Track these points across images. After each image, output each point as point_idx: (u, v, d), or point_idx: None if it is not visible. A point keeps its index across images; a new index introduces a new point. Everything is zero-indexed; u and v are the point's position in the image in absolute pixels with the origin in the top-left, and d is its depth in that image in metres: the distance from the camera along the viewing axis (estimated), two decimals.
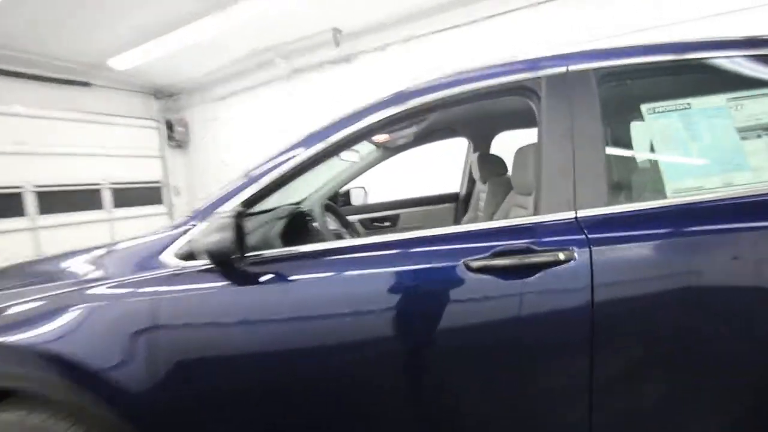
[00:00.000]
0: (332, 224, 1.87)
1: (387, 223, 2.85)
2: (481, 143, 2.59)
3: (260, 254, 1.03)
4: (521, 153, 1.41)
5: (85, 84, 5.80)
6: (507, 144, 2.65)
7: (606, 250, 0.91)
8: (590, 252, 0.89)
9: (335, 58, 4.79)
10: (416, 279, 0.98)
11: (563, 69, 1.07)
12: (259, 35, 4.48)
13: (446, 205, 2.81)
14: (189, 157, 7.18)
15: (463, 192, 2.75)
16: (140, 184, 6.63)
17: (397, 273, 0.98)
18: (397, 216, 2.82)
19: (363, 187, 3.05)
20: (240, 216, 0.96)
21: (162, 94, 6.61)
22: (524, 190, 1.39)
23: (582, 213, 0.96)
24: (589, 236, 0.92)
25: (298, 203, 2.53)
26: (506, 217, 1.58)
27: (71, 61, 5.17)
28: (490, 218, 2.03)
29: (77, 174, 5.73)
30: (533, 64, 1.10)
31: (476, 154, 2.30)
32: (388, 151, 2.64)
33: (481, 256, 0.94)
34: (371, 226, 2.85)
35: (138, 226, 6.23)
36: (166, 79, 6.15)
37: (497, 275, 0.93)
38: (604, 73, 1.07)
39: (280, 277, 1.01)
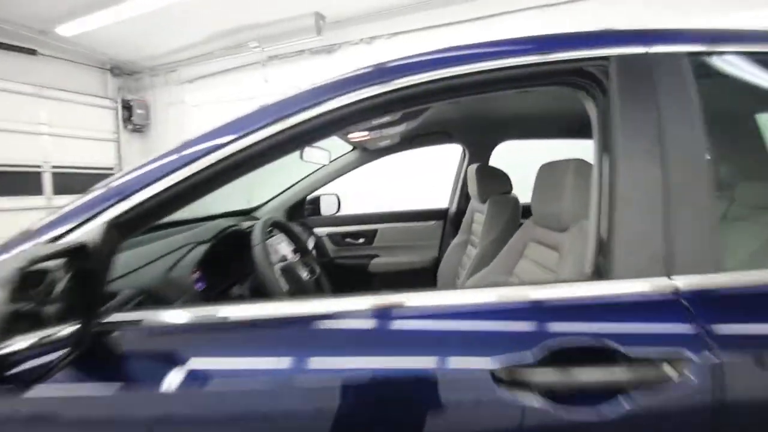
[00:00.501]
0: (284, 248, 1.40)
1: (361, 240, 2.42)
2: (479, 152, 2.20)
3: (133, 320, 0.59)
4: (551, 172, 1.01)
5: (31, 51, 5.07)
6: (506, 156, 2.29)
7: (742, 360, 0.52)
8: (714, 361, 0.50)
9: (317, 46, 4.33)
10: (401, 396, 0.55)
11: (643, 50, 0.68)
12: (231, 12, 3.96)
13: (432, 222, 2.40)
14: (148, 143, 6.50)
15: (454, 209, 2.35)
16: (89, 170, 5.90)
17: (366, 380, 0.55)
18: (374, 232, 2.40)
19: (336, 195, 2.61)
20: (78, 254, 0.52)
21: (120, 71, 5.92)
22: (555, 224, 0.99)
23: (684, 281, 0.57)
24: (709, 328, 0.52)
25: (247, 213, 2.06)
26: (520, 254, 1.16)
27: (15, 25, 4.46)
28: (490, 246, 1.64)
29: (14, 154, 4.99)
30: (599, 39, 0.70)
31: (473, 166, 1.90)
32: (367, 153, 2.21)
33: (516, 357, 0.52)
34: (342, 242, 2.40)
35: None
36: (126, 55, 5.49)
37: (547, 399, 0.51)
38: (707, 60, 0.69)
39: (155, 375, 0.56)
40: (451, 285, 2.05)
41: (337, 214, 2.58)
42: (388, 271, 2.38)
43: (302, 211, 2.37)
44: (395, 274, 2.38)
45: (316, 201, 2.49)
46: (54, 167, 5.49)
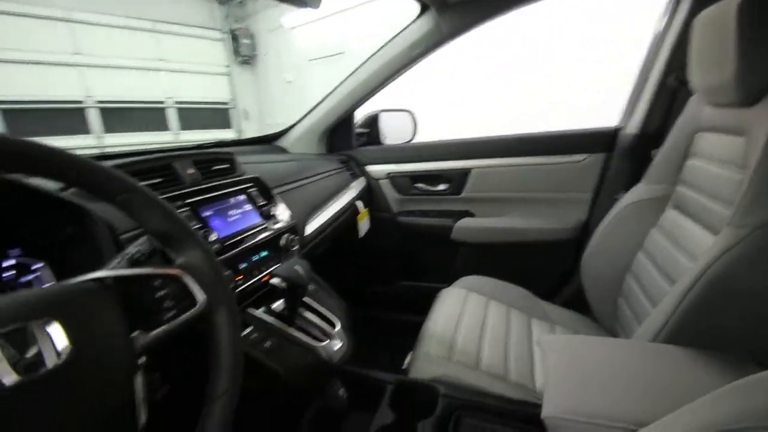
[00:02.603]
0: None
1: (442, 186, 1.43)
2: None
3: None
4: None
5: None
6: None
7: None
8: None
9: None
10: None
11: None
12: None
13: (578, 157, 1.25)
14: (257, 76, 6.34)
15: (635, 129, 1.14)
16: (207, 105, 6.08)
17: None
18: (464, 173, 1.38)
19: (409, 112, 1.62)
20: None
21: None
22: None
23: None
24: None
25: (268, 140, 1.27)
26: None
27: None
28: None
29: (140, 91, 5.31)
30: None
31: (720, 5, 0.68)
32: (455, 17, 1.14)
33: None
34: (410, 189, 1.46)
35: None
36: None
37: None
38: None
39: None
40: (610, 297, 0.98)
41: (411, 141, 1.62)
42: (482, 242, 1.39)
43: (349, 138, 1.49)
44: (495, 248, 1.37)
45: (374, 122, 1.56)
46: (177, 103, 5.76)
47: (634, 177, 1.04)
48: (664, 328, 0.63)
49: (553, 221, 1.30)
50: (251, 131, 6.74)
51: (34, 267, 0.55)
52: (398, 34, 1.22)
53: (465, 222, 1.39)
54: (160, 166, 0.69)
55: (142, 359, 0.37)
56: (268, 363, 0.65)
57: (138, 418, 0.35)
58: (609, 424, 0.45)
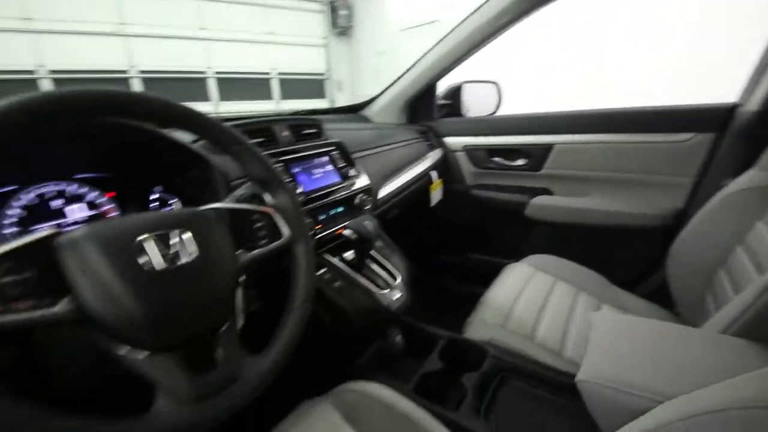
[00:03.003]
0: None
1: (520, 161, 1.40)
2: None
3: None
4: None
5: None
6: None
7: None
8: None
9: None
10: None
11: None
12: None
13: (683, 136, 1.12)
14: (351, 47, 6.52)
15: (756, 105, 0.98)
16: (305, 76, 6.48)
17: None
18: (545, 148, 1.33)
19: (495, 83, 1.58)
20: None
21: None
22: None
23: None
24: None
25: (354, 109, 1.39)
26: None
27: None
28: None
29: (250, 62, 5.86)
30: None
31: None
32: None
33: None
34: (486, 163, 1.46)
35: None
36: None
37: None
38: None
39: None
40: (697, 291, 0.90)
41: (495, 113, 1.59)
42: (558, 222, 1.33)
43: (430, 109, 1.52)
44: (572, 229, 1.31)
45: (456, 94, 1.56)
46: (280, 74, 6.24)
47: (746, 162, 0.91)
48: (738, 319, 0.59)
49: (642, 205, 1.19)
50: (343, 101, 7.01)
51: (170, 201, 0.74)
52: (486, 2, 1.20)
53: (542, 200, 1.35)
54: (261, 128, 0.83)
55: (243, 277, 0.50)
56: (337, 300, 0.77)
57: (236, 322, 0.48)
58: (637, 393, 0.46)
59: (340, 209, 0.88)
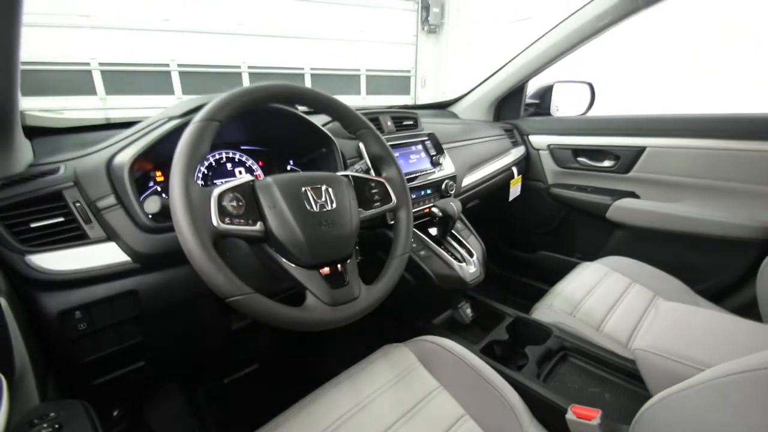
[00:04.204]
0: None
1: (607, 163, 1.40)
2: None
3: None
4: None
5: None
6: None
7: None
8: None
9: None
10: None
11: None
12: None
13: None
14: (440, 44, 6.59)
15: None
16: (391, 72, 6.72)
17: None
18: (637, 151, 1.32)
19: (589, 84, 1.58)
20: None
21: None
22: None
23: None
24: None
25: (444, 105, 1.52)
26: None
27: None
28: None
29: (342, 59, 6.27)
30: None
31: None
32: None
33: None
34: (570, 163, 1.48)
35: None
36: None
37: None
38: None
39: None
40: None
41: (586, 114, 1.60)
42: (642, 226, 1.32)
43: (517, 108, 1.58)
44: (655, 234, 1.29)
45: (546, 93, 1.60)
46: (368, 70, 6.56)
47: None
48: None
49: (737, 216, 1.14)
50: (425, 97, 7.14)
51: (296, 171, 0.94)
52: (587, 3, 1.22)
53: (626, 202, 1.34)
54: (372, 118, 1.00)
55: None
56: (422, 266, 0.91)
57: (356, 258, 0.64)
58: (683, 362, 0.53)
59: (429, 191, 1.02)
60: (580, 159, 1.46)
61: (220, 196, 0.51)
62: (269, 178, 0.58)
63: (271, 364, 1.19)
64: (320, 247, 0.57)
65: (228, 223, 0.51)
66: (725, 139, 1.14)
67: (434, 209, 0.92)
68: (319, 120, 0.86)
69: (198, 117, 0.53)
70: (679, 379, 0.49)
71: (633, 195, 1.36)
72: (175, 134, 0.62)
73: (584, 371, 0.83)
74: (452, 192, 1.06)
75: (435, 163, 1.05)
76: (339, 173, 0.68)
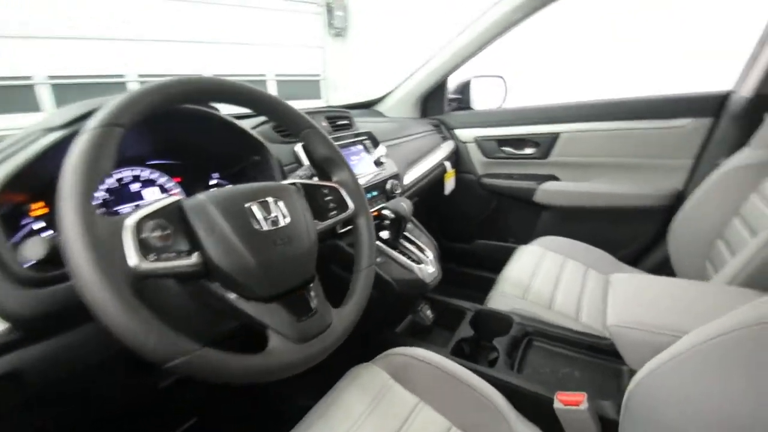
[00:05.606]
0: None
1: (528, 150, 1.49)
2: None
3: None
4: None
5: None
6: None
7: None
8: None
9: None
10: None
11: None
12: None
13: (680, 121, 1.22)
14: (347, 47, 6.59)
15: (749, 92, 1.08)
16: (301, 77, 6.54)
17: None
18: (552, 137, 1.42)
19: (501, 77, 1.67)
20: None
21: None
22: None
23: None
24: None
25: (367, 105, 1.47)
26: None
27: None
28: None
29: (247, 64, 5.90)
30: None
31: None
32: None
33: None
34: (496, 153, 1.54)
35: None
36: None
37: None
38: None
39: None
40: (698, 262, 0.99)
41: (501, 106, 1.68)
42: (565, 206, 1.43)
43: (441, 103, 1.60)
44: (578, 212, 1.40)
45: (465, 88, 1.64)
46: (277, 75, 6.29)
47: (740, 143, 1.00)
48: (741, 272, 0.68)
49: (645, 187, 1.29)
50: (337, 100, 7.09)
51: (226, 186, 0.81)
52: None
53: (549, 185, 1.44)
54: None
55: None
56: (380, 273, 0.84)
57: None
58: (659, 331, 0.55)
59: (375, 193, 0.95)
60: (504, 148, 1.52)
61: (138, 226, 0.39)
62: (201, 196, 0.46)
63: (215, 413, 1.02)
64: (278, 272, 0.47)
65: (153, 260, 0.39)
66: (626, 120, 1.28)
67: (385, 211, 0.87)
68: (245, 123, 0.74)
69: (94, 122, 0.39)
70: (658, 350, 0.50)
71: (554, 178, 1.47)
72: (57, 150, 0.46)
73: (551, 353, 0.85)
74: (398, 191, 1.01)
75: (377, 163, 0.99)
76: (285, 182, 0.58)
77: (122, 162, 0.68)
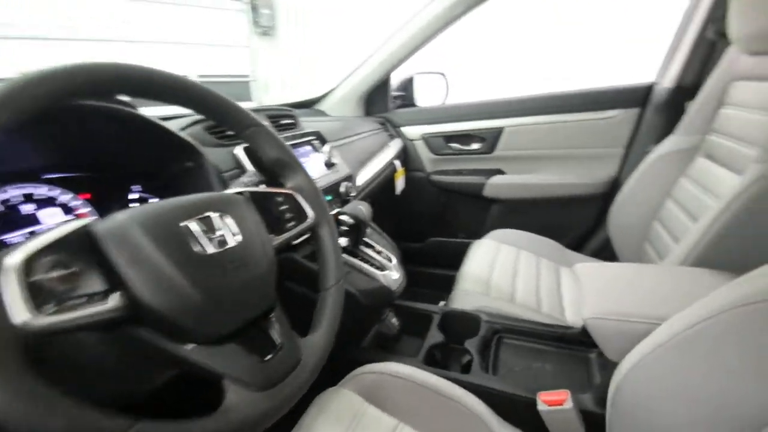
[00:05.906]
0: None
1: (475, 145, 1.50)
2: None
3: None
4: None
5: None
6: None
7: None
8: None
9: None
10: None
11: None
12: None
13: (610, 112, 1.30)
14: (278, 47, 6.33)
15: (670, 82, 1.18)
16: (228, 78, 6.15)
17: None
18: (496, 132, 1.44)
19: (441, 74, 1.67)
20: None
21: None
22: None
23: None
24: None
25: (308, 104, 1.36)
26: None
27: None
28: None
29: (165, 64, 5.40)
30: None
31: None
32: None
33: None
34: (444, 149, 1.53)
35: None
36: None
37: None
38: None
39: None
40: (636, 243, 1.05)
41: (444, 103, 1.68)
42: (513, 198, 1.46)
43: (385, 101, 1.56)
44: (526, 203, 1.45)
45: (409, 85, 1.62)
46: (200, 76, 5.84)
47: (666, 131, 1.08)
48: (690, 254, 0.71)
49: (584, 176, 1.36)
50: (270, 102, 6.80)
51: (151, 201, 0.68)
52: None
53: (497, 179, 1.46)
54: None
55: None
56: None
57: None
58: (636, 320, 0.55)
59: (330, 197, 0.88)
60: (452, 144, 1.52)
61: (27, 266, 0.28)
62: (119, 216, 0.35)
63: None
64: (231, 304, 0.38)
65: (54, 312, 0.28)
66: (563, 113, 1.34)
67: (343, 216, 0.79)
68: (172, 124, 0.63)
69: None
70: (636, 338, 0.50)
71: (500, 172, 1.49)
72: None
73: (521, 349, 0.84)
74: (353, 194, 0.94)
75: (328, 165, 0.91)
76: (228, 191, 0.48)
77: (7, 178, 0.53)
